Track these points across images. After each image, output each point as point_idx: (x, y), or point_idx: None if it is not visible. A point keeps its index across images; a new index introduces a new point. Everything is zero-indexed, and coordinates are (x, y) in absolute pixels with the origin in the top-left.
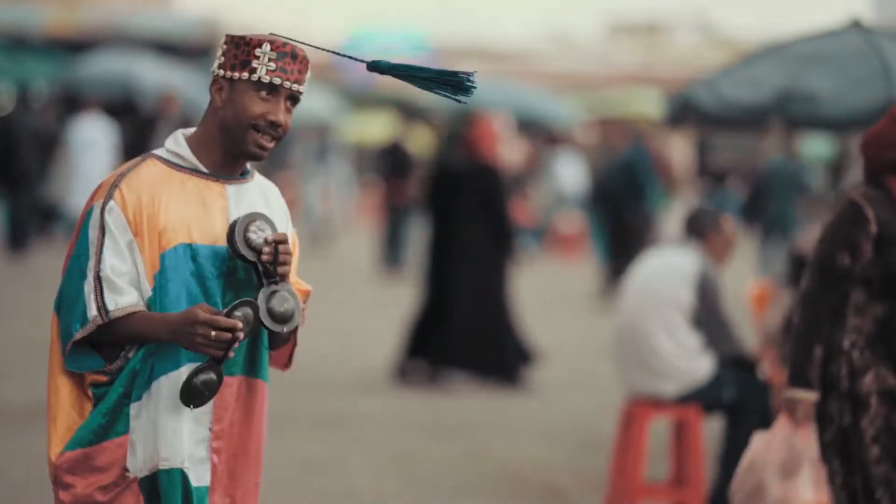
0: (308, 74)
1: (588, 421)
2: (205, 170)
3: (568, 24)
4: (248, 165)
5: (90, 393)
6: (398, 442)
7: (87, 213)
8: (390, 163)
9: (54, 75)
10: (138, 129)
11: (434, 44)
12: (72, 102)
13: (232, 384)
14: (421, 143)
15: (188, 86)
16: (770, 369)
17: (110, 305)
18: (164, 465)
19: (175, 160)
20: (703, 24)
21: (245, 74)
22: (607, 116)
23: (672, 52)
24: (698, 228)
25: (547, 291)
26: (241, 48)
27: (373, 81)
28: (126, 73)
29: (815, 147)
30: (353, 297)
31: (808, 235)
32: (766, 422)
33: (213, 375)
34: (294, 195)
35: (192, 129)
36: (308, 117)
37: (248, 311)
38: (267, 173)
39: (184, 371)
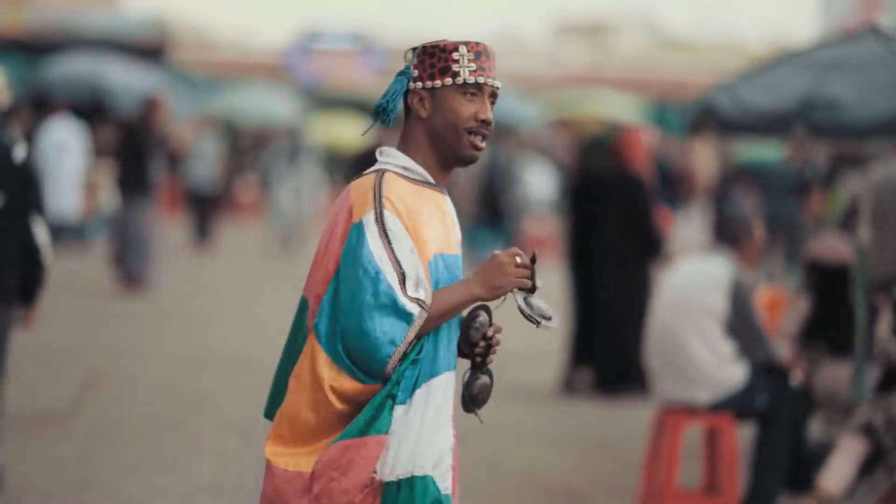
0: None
1: (593, 425)
2: (433, 181)
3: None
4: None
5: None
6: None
7: (355, 227)
8: (366, 167)
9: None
10: (126, 133)
11: (383, 44)
12: (40, 105)
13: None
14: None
15: (156, 87)
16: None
17: (425, 298)
18: (418, 472)
19: (408, 174)
20: (648, 24)
21: (448, 80)
22: (560, 118)
23: (618, 52)
24: (731, 235)
25: None
26: (438, 56)
27: (322, 81)
28: (93, 75)
29: (752, 152)
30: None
31: (822, 242)
32: (797, 428)
33: (486, 379)
34: (258, 198)
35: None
36: (276, 120)
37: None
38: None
39: (443, 377)
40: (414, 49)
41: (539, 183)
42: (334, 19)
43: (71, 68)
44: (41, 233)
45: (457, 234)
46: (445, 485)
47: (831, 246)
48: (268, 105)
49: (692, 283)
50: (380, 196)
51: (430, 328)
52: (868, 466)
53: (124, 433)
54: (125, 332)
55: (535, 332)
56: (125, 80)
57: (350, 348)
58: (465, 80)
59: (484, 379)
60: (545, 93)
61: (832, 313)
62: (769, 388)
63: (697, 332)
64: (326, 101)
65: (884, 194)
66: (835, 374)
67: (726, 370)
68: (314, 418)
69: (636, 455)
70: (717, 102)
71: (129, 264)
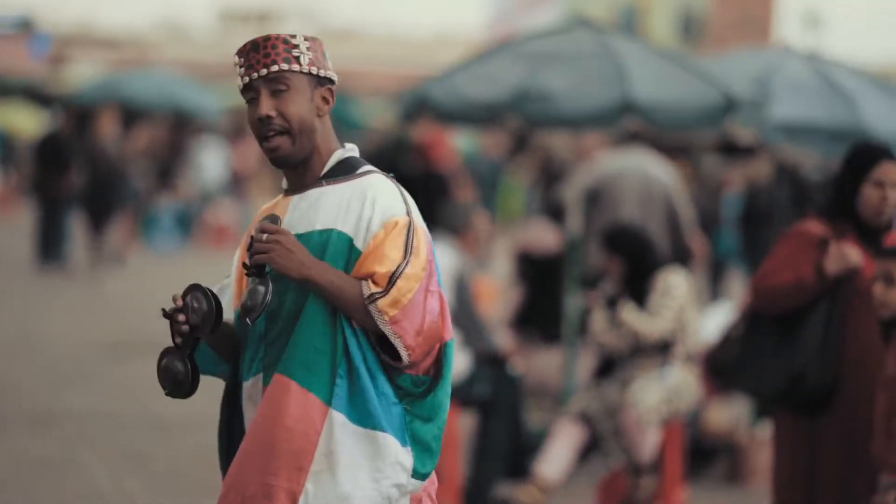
0: (298, 51)
1: None
2: (285, 187)
3: (180, 12)
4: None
5: None
6: (123, 439)
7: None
8: (48, 155)
9: None
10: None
11: (47, 29)
12: None
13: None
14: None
15: None
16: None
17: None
18: None
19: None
20: (312, 13)
21: (243, 94)
22: (238, 106)
23: None
24: (452, 224)
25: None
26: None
27: None
28: None
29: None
30: (13, 292)
31: (532, 232)
32: (516, 417)
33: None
34: None
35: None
36: None
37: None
38: None
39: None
40: None
41: (214, 166)
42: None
43: None
44: None
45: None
46: None
47: (541, 236)
48: None
49: None
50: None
51: None
52: (585, 453)
53: None
54: None
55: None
56: None
57: None
58: (241, 86)
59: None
60: (216, 81)
61: (543, 302)
62: (489, 377)
63: None
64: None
65: (599, 188)
66: (545, 362)
67: None
68: None
69: None
70: (432, 92)
71: None
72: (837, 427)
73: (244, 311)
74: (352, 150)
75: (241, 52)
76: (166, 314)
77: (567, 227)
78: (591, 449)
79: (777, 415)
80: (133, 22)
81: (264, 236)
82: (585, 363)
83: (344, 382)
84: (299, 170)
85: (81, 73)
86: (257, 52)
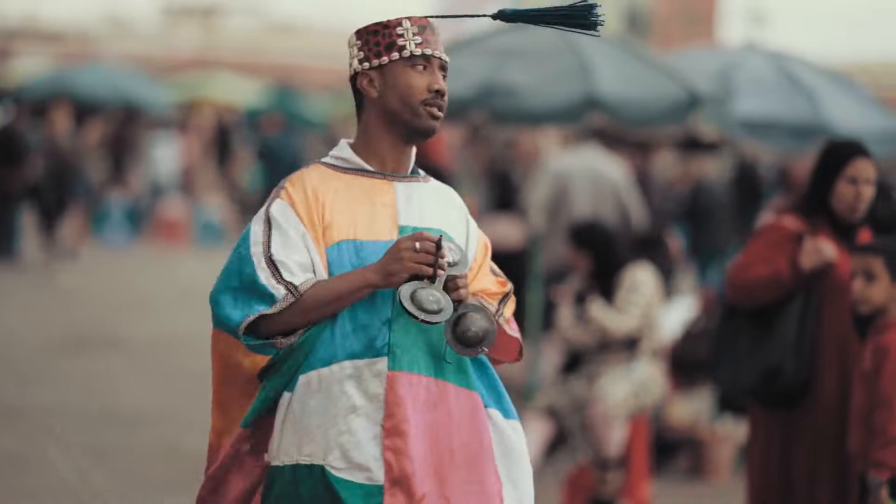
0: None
1: None
2: (370, 168)
3: (122, 6)
4: (420, 170)
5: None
6: (87, 434)
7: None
8: (1, 149)
9: None
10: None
11: None
12: None
13: (414, 382)
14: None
15: None
16: None
17: (302, 282)
18: (304, 461)
19: (338, 163)
20: (256, 8)
21: (395, 55)
22: (186, 100)
23: (229, 35)
24: None
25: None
26: (380, 34)
27: None
28: None
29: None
30: None
31: (495, 228)
32: None
33: (475, 315)
34: None
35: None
36: None
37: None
38: None
39: (341, 366)
40: (357, 33)
41: (166, 160)
42: None
43: None
44: None
45: (401, 220)
46: (353, 476)
47: (503, 233)
48: None
49: None
50: (280, 188)
51: (321, 314)
52: (552, 448)
53: None
54: None
55: (205, 315)
56: None
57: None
58: (411, 52)
59: (473, 316)
60: (162, 75)
61: None
62: None
63: None
64: None
65: (560, 184)
66: None
67: None
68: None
69: None
70: None
71: None
72: (813, 421)
73: (471, 342)
74: None
75: (415, 23)
76: (438, 244)
77: (530, 223)
78: (557, 444)
79: (751, 410)
80: (77, 15)
81: (450, 278)
82: (549, 358)
83: (485, 378)
84: (412, 151)
85: (27, 67)
86: (434, 34)
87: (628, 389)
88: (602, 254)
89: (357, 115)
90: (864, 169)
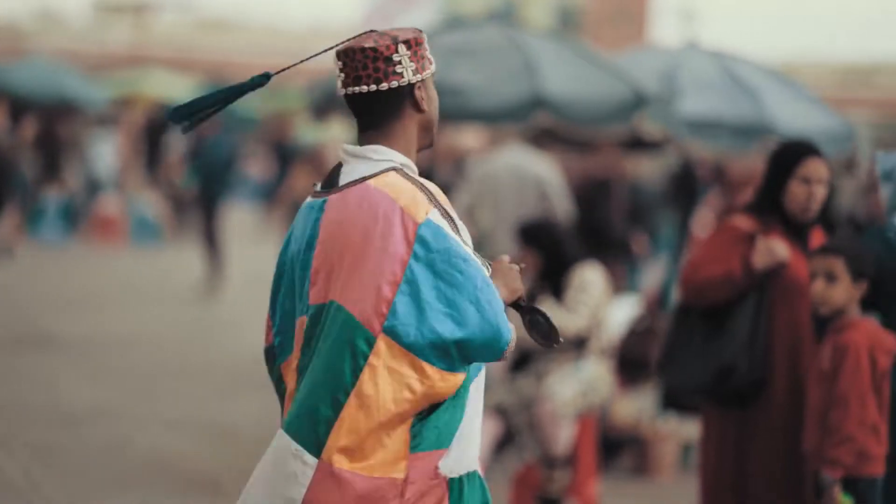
0: None
1: (207, 409)
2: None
3: (54, 2)
4: None
5: None
6: (32, 433)
7: (426, 225)
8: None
9: None
10: None
11: None
12: None
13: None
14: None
15: None
16: None
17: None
18: (473, 467)
19: (410, 172)
20: (187, 5)
21: (431, 68)
22: (121, 96)
23: (160, 31)
24: None
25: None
26: (422, 46)
27: None
28: None
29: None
30: None
31: None
32: None
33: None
34: None
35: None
36: None
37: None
38: None
39: (482, 373)
40: (406, 43)
41: (107, 157)
42: None
43: None
44: None
45: None
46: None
47: None
48: None
49: None
50: (431, 193)
51: None
52: (500, 447)
53: None
54: None
55: (142, 313)
56: None
57: (468, 341)
58: (434, 67)
59: (536, 318)
60: (95, 72)
61: None
62: None
63: None
64: None
65: (488, 184)
66: None
67: None
68: (392, 430)
69: (255, 438)
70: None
71: None
72: (766, 420)
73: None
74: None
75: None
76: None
77: (476, 221)
78: (505, 442)
79: (704, 410)
80: (8, 10)
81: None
82: None
83: None
84: None
85: None
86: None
87: (576, 388)
88: (551, 253)
89: (389, 123)
90: (816, 169)
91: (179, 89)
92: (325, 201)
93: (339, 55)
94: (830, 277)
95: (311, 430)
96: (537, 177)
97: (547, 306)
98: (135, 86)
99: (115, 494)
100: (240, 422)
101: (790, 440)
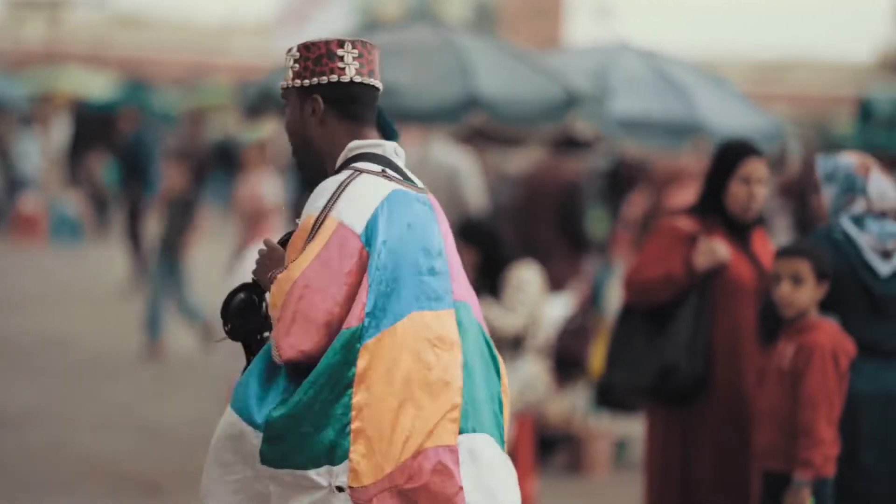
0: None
1: (140, 408)
2: None
3: None
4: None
5: None
6: None
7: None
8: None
9: None
10: None
11: None
12: None
13: None
14: None
15: None
16: None
17: None
18: None
19: None
20: (102, 1)
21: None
22: (39, 93)
23: (74, 28)
24: None
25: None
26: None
27: None
28: None
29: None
30: None
31: None
32: None
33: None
34: None
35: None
36: None
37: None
38: None
39: None
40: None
41: (32, 155)
42: None
43: None
44: None
45: None
46: None
47: None
48: None
49: None
50: None
51: None
52: None
53: None
54: None
55: (66, 312)
56: None
57: None
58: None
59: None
60: (11, 69)
61: None
62: None
63: None
64: None
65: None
66: None
67: None
68: None
69: (189, 437)
70: (276, 85)
71: None
72: (710, 419)
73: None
74: (361, 147)
75: None
76: None
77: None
78: None
79: (649, 411)
80: None
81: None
82: None
83: None
84: (316, 177)
85: None
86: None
87: (514, 387)
88: (489, 251)
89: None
90: (756, 169)
91: (96, 86)
92: (427, 198)
93: (356, 45)
94: (797, 280)
95: None
96: (451, 168)
97: (486, 305)
98: (52, 83)
99: (51, 496)
100: (173, 421)
101: (734, 439)
